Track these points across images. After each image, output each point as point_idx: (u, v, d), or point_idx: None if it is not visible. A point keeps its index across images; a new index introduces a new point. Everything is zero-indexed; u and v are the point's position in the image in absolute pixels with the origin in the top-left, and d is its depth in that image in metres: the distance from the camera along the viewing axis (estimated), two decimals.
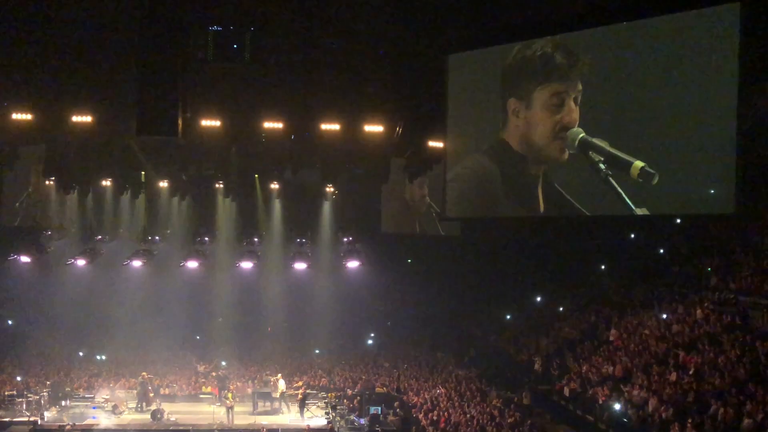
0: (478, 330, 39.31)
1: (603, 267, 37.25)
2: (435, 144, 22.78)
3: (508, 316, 38.56)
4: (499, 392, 27.71)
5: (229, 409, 26.07)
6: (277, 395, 27.78)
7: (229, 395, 27.11)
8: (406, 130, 21.45)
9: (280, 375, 30.56)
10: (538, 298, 39.10)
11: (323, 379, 31.40)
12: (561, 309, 35.67)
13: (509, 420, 23.25)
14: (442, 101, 22.74)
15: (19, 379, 29.14)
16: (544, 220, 23.35)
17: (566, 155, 16.84)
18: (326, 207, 37.91)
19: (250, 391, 28.77)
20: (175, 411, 26.35)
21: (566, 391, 25.91)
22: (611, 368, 24.96)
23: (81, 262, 35.28)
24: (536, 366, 29.52)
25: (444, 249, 38.47)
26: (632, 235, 37.03)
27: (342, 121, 21.06)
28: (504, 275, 39.46)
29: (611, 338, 27.67)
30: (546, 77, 16.89)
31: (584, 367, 26.37)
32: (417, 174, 26.46)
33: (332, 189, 32.31)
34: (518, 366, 31.35)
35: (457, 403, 25.81)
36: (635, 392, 22.17)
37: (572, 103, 16.58)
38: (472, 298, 40.35)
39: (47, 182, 31.74)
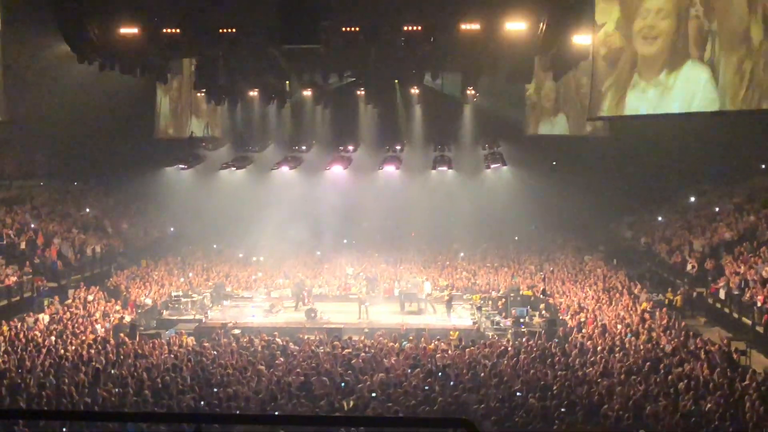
0: (628, 232, 38.26)
1: (763, 165, 34.95)
2: (581, 40, 21.79)
3: (660, 218, 37.14)
4: (650, 294, 27.02)
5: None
6: (423, 296, 28.32)
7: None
8: (550, 27, 20.55)
9: (426, 277, 31.18)
10: (692, 198, 37.34)
11: (468, 281, 31.66)
12: (717, 209, 33.94)
13: (661, 322, 22.69)
14: None
15: (182, 280, 31.01)
16: (697, 115, 22.15)
17: None
18: (468, 111, 37.48)
19: (397, 292, 29.44)
20: (326, 311, 27.38)
21: (722, 293, 24.96)
22: None
23: (233, 170, 36.94)
24: (689, 268, 28.52)
25: (592, 150, 37.32)
26: None
27: (482, 20, 20.44)
28: (654, 175, 37.93)
29: None
30: None
31: (742, 269, 25.21)
32: (562, 73, 25.51)
33: (473, 92, 31.51)
34: (670, 268, 30.40)
35: (605, 306, 25.42)
36: None
37: None
38: (621, 199, 39.10)
39: (198, 94, 33.11)
